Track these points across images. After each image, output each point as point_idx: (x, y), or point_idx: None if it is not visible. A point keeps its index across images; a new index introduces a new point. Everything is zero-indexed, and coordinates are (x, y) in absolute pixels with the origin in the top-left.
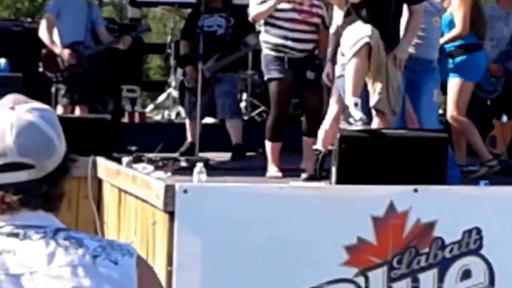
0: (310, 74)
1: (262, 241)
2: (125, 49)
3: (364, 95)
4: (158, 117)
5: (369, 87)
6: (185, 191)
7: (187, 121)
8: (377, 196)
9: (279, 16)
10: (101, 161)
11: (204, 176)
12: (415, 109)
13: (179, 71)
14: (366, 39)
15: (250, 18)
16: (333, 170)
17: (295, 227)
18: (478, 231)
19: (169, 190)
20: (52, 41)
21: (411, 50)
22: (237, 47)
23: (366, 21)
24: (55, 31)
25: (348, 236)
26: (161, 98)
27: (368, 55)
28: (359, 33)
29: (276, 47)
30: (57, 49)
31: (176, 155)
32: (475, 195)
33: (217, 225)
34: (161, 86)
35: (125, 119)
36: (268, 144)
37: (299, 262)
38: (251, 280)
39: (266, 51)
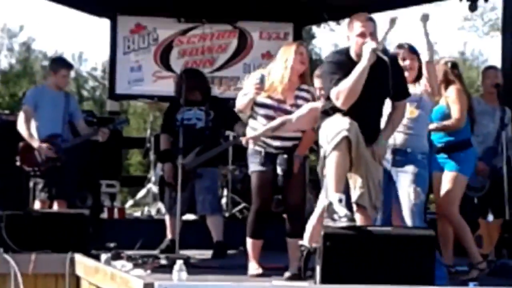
0: (280, 170)
1: None
2: (103, 141)
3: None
4: (137, 213)
5: (350, 182)
6: None
7: (167, 218)
8: None
9: (258, 111)
10: (79, 258)
11: (184, 275)
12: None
13: (159, 166)
14: (345, 133)
15: (236, 109)
16: (318, 269)
17: None
18: None
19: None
20: (30, 134)
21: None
22: (218, 141)
23: (345, 113)
24: (33, 124)
25: None
26: (141, 193)
27: (348, 149)
28: (337, 126)
29: (256, 142)
30: (35, 142)
31: (156, 252)
32: None
33: None
34: (141, 182)
35: (104, 215)
36: (248, 241)
37: None
38: None
39: (249, 144)
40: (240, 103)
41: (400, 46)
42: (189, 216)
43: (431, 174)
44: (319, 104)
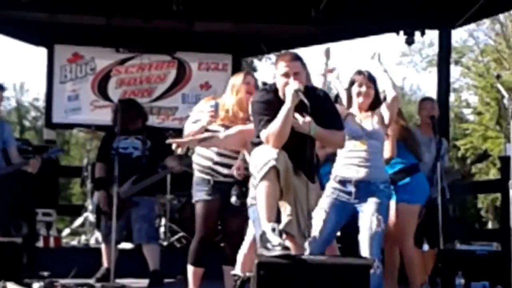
0: (235, 201)
1: None
2: (34, 172)
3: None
4: (74, 242)
5: (281, 209)
6: None
7: (102, 246)
8: None
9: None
10: (11, 286)
11: None
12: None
13: (96, 194)
14: (273, 162)
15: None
16: None
17: None
18: None
19: None
20: None
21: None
22: (155, 170)
23: None
24: None
25: None
26: (78, 222)
27: (277, 178)
28: (266, 156)
29: (203, 169)
30: None
31: (91, 281)
32: None
33: None
34: (78, 210)
35: (40, 243)
36: (190, 269)
37: None
38: None
39: (196, 172)
40: (190, 130)
41: (359, 73)
42: (126, 245)
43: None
44: (249, 126)
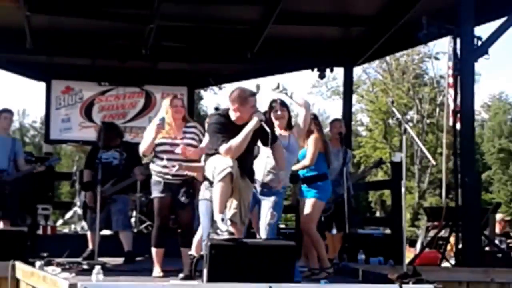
0: (183, 199)
1: None
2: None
3: None
4: (66, 230)
5: (227, 203)
6: None
7: (88, 233)
8: None
9: (159, 150)
10: (19, 264)
11: (101, 276)
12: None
13: (83, 193)
14: (229, 169)
15: (140, 153)
16: (205, 271)
17: None
18: None
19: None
20: None
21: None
22: (129, 175)
23: None
24: None
25: None
26: (69, 214)
27: (231, 180)
28: (223, 164)
29: (157, 173)
30: None
31: (79, 259)
32: None
33: None
34: (69, 206)
35: (40, 231)
36: (153, 250)
37: None
38: None
39: (153, 176)
40: (144, 146)
41: (274, 101)
42: (106, 232)
43: (299, 200)
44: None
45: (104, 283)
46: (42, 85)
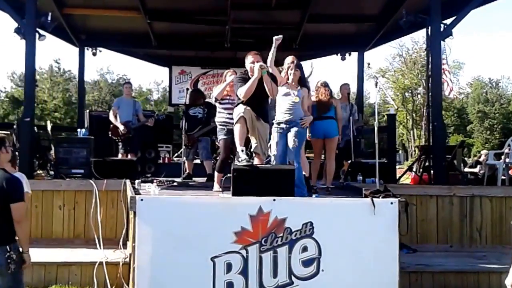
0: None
1: (187, 227)
2: (151, 125)
3: None
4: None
5: (250, 139)
6: (142, 200)
7: (186, 162)
8: (252, 203)
9: (222, 106)
10: (127, 182)
11: (157, 191)
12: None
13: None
14: (241, 114)
15: (212, 97)
16: (231, 187)
17: (207, 221)
18: (311, 223)
19: (133, 200)
20: (116, 121)
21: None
22: (209, 124)
23: (245, 103)
24: (118, 116)
25: (235, 226)
26: (181, 150)
27: (244, 122)
28: (237, 112)
29: (222, 122)
30: (118, 124)
31: (179, 179)
32: (308, 202)
33: (160, 220)
34: (180, 145)
35: (161, 161)
36: (216, 174)
37: (208, 241)
38: (179, 251)
39: (218, 125)
40: (216, 92)
41: (292, 62)
42: (196, 161)
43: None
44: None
45: (156, 196)
46: (165, 70)
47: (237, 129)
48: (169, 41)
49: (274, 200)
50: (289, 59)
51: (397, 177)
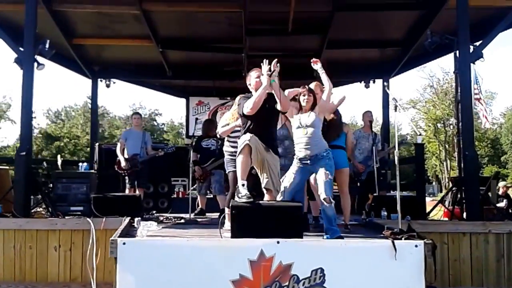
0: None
1: (177, 275)
2: (161, 155)
3: None
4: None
5: (259, 175)
6: (124, 243)
7: (198, 197)
8: (252, 246)
9: (232, 135)
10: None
11: (145, 232)
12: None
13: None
14: (247, 141)
15: (218, 135)
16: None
17: (201, 267)
18: (322, 270)
19: (113, 243)
20: (122, 155)
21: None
22: (223, 156)
23: (250, 131)
24: (124, 148)
25: (233, 273)
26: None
27: (249, 152)
28: (242, 140)
29: (231, 153)
30: (121, 158)
31: (190, 216)
32: (318, 245)
33: (145, 266)
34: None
35: (174, 195)
36: (226, 209)
37: None
38: None
39: (226, 155)
40: (222, 130)
41: (303, 87)
42: (209, 196)
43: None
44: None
45: (141, 239)
46: (182, 101)
47: (240, 160)
48: (185, 71)
49: (278, 242)
50: (312, 86)
51: (428, 211)
